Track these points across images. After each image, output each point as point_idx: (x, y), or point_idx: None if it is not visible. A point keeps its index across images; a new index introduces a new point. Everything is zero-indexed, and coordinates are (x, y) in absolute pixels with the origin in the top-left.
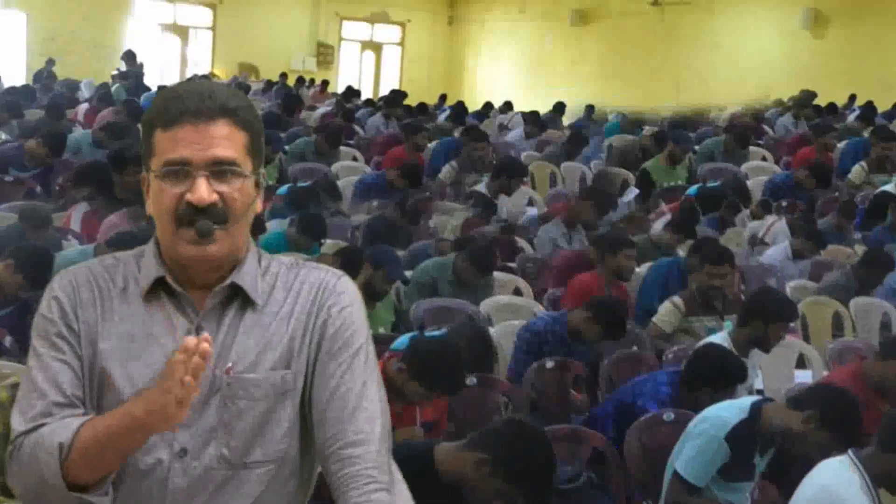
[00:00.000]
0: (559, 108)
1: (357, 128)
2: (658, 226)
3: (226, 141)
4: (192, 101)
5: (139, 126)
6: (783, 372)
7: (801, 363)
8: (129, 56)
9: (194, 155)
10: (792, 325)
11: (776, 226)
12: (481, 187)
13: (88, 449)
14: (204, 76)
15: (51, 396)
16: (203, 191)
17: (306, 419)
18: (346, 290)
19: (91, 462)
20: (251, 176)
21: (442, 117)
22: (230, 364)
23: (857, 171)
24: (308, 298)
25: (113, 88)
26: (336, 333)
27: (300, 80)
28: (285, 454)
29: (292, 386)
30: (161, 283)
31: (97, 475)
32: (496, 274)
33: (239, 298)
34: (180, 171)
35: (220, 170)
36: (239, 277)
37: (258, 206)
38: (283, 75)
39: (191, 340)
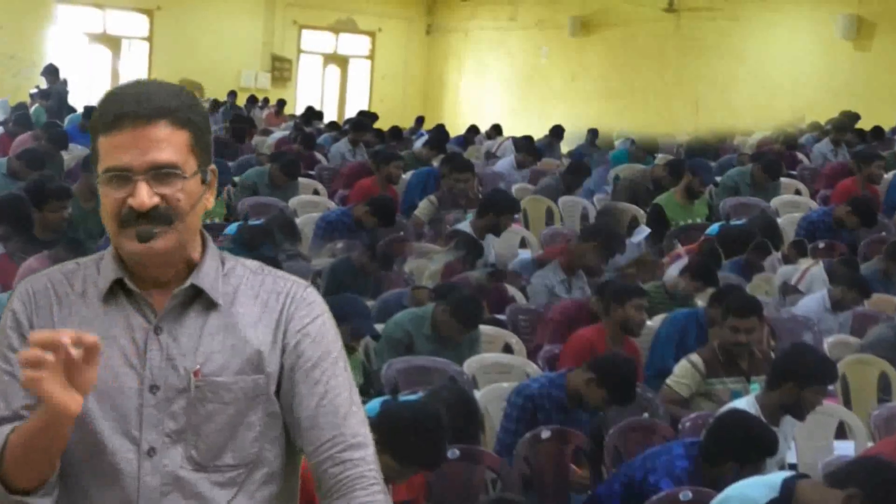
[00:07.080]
0: (557, 132)
1: (319, 156)
2: (673, 271)
3: (165, 143)
4: (130, 104)
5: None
6: (820, 443)
7: (842, 432)
8: (51, 71)
9: (133, 161)
10: (831, 388)
11: (812, 271)
12: (465, 226)
13: (16, 453)
14: None
15: None
16: (143, 196)
17: (285, 426)
18: (315, 301)
19: (22, 466)
20: (195, 175)
21: (419, 143)
22: (198, 367)
23: None
24: (276, 307)
25: (32, 109)
26: (314, 343)
27: (252, 100)
28: (257, 458)
29: (265, 390)
30: (120, 284)
31: (34, 478)
32: (482, 328)
33: (201, 300)
34: (121, 176)
35: (160, 173)
36: (198, 279)
37: (209, 202)
38: (233, 94)
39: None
